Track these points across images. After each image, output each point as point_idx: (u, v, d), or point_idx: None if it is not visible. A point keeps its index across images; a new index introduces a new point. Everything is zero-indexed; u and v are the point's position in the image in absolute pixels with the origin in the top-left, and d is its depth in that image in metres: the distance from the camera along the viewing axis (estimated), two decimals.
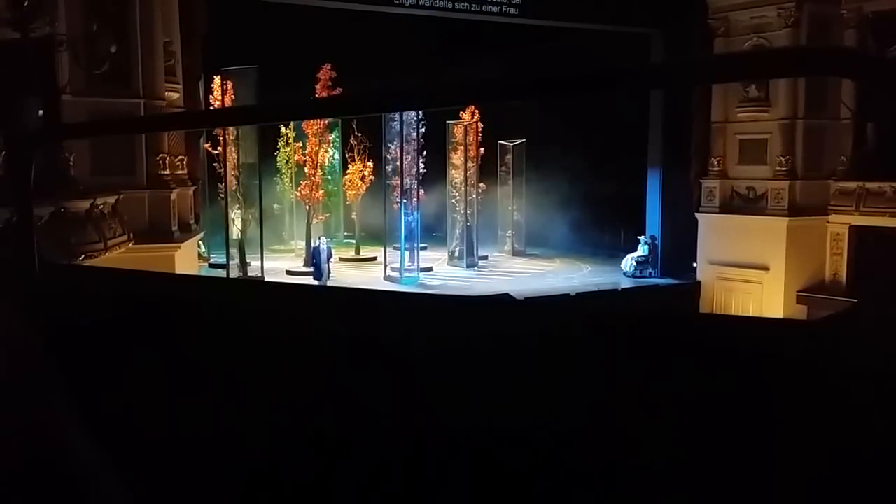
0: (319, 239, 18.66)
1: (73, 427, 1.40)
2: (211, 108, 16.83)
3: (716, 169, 19.64)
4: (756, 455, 1.04)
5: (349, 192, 23.12)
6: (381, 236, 20.55)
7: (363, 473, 1.25)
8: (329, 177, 22.97)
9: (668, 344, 1.20)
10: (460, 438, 1.22)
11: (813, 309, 17.60)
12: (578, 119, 19.91)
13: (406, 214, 19.47)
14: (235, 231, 17.59)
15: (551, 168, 22.68)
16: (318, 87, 19.95)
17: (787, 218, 18.33)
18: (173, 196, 13.02)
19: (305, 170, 21.03)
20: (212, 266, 18.96)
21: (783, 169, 18.53)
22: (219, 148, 17.82)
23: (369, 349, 1.37)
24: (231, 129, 16.10)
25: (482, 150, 22.69)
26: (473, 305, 1.75)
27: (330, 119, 19.68)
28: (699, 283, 19.92)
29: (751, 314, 17.60)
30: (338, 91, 19.56)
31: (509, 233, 24.54)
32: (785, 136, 18.48)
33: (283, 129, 21.67)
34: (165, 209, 12.85)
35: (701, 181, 19.94)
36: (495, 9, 18.84)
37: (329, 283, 17.16)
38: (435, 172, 21.68)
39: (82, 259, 10.00)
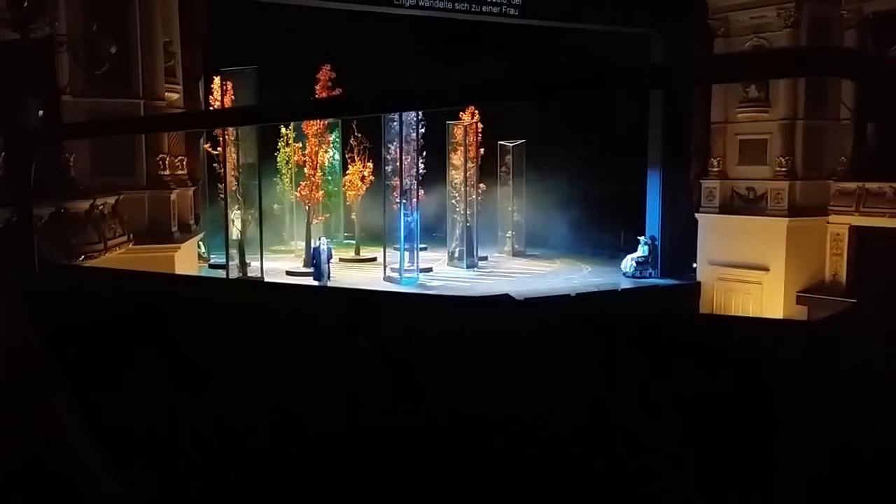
0: (319, 239, 18.67)
1: (74, 427, 1.40)
2: (211, 108, 16.84)
3: (716, 169, 19.64)
4: (756, 455, 1.04)
5: (349, 192, 23.12)
6: (380, 237, 20.55)
7: (363, 473, 1.25)
8: (329, 177, 22.98)
9: (668, 344, 1.20)
10: (460, 438, 1.22)
11: (813, 309, 17.59)
12: (578, 119, 19.90)
13: (406, 215, 19.47)
14: (235, 231, 17.59)
15: (551, 168, 22.67)
16: (317, 87, 19.95)
17: (787, 218, 18.33)
18: (173, 196, 13.03)
19: (305, 170, 21.02)
20: (212, 266, 18.96)
21: (783, 169, 18.52)
22: (219, 148, 17.82)
23: (369, 349, 1.37)
24: (231, 129, 16.10)
25: (482, 150, 22.69)
26: (473, 306, 1.74)
27: (330, 119, 19.70)
28: (699, 283, 19.91)
29: (751, 315, 17.60)
30: (337, 91, 19.56)
31: (509, 233, 24.53)
32: (785, 137, 18.48)
33: (283, 130, 21.68)
34: (165, 210, 12.86)
35: (701, 181, 19.94)
36: (495, 9, 18.84)
37: (329, 284, 17.16)
38: (435, 173, 21.68)
39: (82, 259, 10.00)
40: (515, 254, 24.14)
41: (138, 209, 12.45)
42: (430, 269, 20.47)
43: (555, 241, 23.62)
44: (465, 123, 21.57)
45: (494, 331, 1.34)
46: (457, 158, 21.82)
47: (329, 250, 18.51)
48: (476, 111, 21.65)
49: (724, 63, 1.30)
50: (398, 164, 19.62)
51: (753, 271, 18.66)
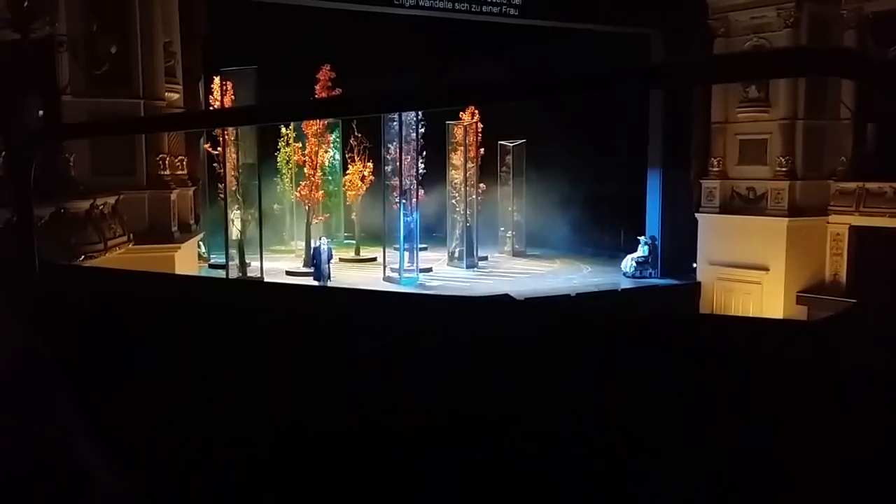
0: (320, 239, 18.66)
1: (74, 427, 1.40)
2: (211, 108, 16.84)
3: (716, 169, 19.64)
4: (756, 455, 1.04)
5: (349, 192, 23.12)
6: (380, 237, 20.55)
7: (363, 473, 1.25)
8: (329, 177, 22.97)
9: (668, 344, 1.20)
10: (460, 438, 1.22)
11: (813, 309, 17.60)
12: (578, 119, 19.91)
13: (405, 215, 19.47)
14: (235, 231, 17.60)
15: (551, 168, 22.66)
16: (317, 87, 19.95)
17: (787, 218, 18.33)
18: (173, 196, 13.03)
19: (305, 170, 21.02)
20: (212, 266, 18.96)
21: (783, 169, 18.53)
22: (219, 148, 17.82)
23: (369, 349, 1.37)
24: (231, 129, 16.10)
25: (482, 150, 22.68)
26: (473, 306, 1.74)
27: (330, 119, 19.69)
28: (699, 283, 19.92)
29: (751, 315, 17.60)
30: (337, 91, 19.56)
31: (509, 233, 24.53)
32: (785, 137, 18.48)
33: (283, 130, 21.67)
34: (165, 209, 12.86)
35: (701, 181, 19.94)
36: (495, 9, 18.84)
37: (329, 284, 17.16)
38: (435, 173, 21.67)
39: (82, 259, 10.00)
40: (515, 254, 24.14)
41: (138, 209, 12.45)
42: (429, 269, 20.47)
43: (555, 241, 23.61)
44: (465, 123, 21.57)
45: (494, 331, 1.34)
46: (457, 158, 21.81)
47: (329, 250, 18.50)
48: (476, 111, 21.64)
49: (724, 63, 1.30)
50: (398, 164, 19.62)
51: (753, 271, 18.66)
